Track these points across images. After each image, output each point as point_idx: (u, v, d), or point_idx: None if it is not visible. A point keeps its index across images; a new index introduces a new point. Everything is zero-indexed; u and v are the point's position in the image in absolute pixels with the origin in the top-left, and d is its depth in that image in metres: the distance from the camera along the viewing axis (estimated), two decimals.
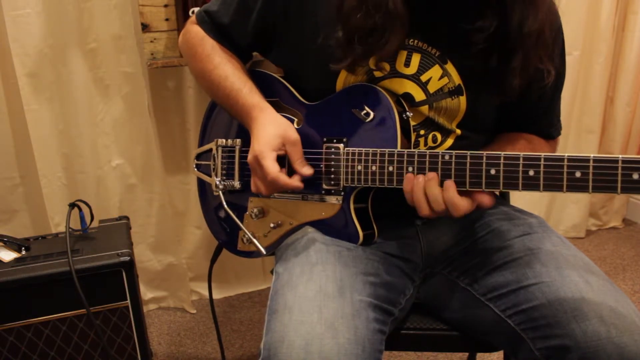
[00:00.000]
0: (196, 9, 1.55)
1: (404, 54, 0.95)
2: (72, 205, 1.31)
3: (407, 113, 0.94)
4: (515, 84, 0.90)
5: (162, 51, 1.64)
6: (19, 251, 1.28)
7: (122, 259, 1.22)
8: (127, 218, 1.47)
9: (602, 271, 0.89)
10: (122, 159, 1.77)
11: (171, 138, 1.84)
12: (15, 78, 1.56)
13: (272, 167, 0.91)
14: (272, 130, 0.94)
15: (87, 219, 1.35)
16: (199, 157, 1.20)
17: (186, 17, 1.57)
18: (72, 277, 1.17)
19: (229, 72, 1.04)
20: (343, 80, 0.98)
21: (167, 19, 1.62)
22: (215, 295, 2.04)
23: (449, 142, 0.99)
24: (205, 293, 2.00)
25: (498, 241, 0.97)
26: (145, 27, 1.61)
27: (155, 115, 1.77)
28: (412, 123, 0.96)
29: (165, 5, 1.61)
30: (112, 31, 1.62)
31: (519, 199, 2.21)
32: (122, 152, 1.76)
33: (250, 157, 0.94)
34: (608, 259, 2.27)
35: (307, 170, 0.94)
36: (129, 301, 1.25)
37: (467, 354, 1.50)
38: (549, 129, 1.07)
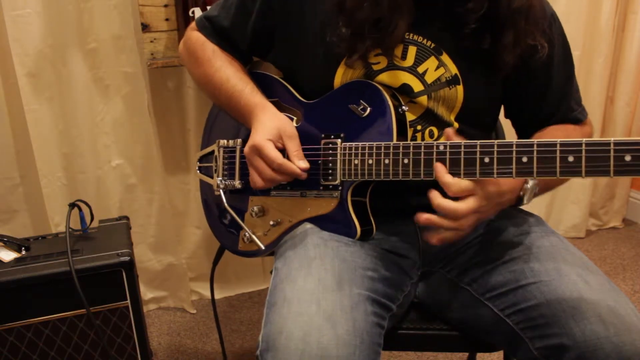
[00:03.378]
0: (196, 9, 1.56)
1: (400, 48, 0.96)
2: (72, 205, 1.31)
3: (403, 107, 0.95)
4: (509, 60, 0.92)
5: (162, 51, 1.64)
6: (19, 251, 1.28)
7: (122, 259, 1.22)
8: (127, 218, 1.47)
9: (600, 270, 0.89)
10: (122, 159, 1.77)
11: (171, 138, 1.84)
12: (15, 78, 1.56)
13: (275, 154, 0.92)
14: (269, 124, 0.96)
15: (87, 219, 1.35)
16: (201, 160, 1.21)
17: (186, 17, 1.58)
18: (72, 277, 1.17)
19: (230, 74, 1.06)
20: (341, 76, 0.99)
21: (167, 19, 1.62)
22: (216, 295, 2.03)
23: None
24: (205, 293, 2.00)
25: (497, 240, 0.97)
26: (145, 27, 1.61)
27: (155, 115, 1.77)
28: (410, 117, 0.97)
29: (165, 5, 1.61)
30: (112, 31, 1.62)
31: None
32: (122, 152, 1.76)
33: (247, 148, 0.95)
34: (608, 259, 2.27)
35: (303, 164, 0.94)
36: (129, 301, 1.25)
37: (467, 354, 1.50)
38: (572, 113, 1.06)
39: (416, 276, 1.03)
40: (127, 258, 1.23)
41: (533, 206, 0.93)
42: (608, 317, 0.79)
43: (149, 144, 1.75)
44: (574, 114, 1.06)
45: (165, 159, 1.84)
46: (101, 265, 1.21)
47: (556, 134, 1.01)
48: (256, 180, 0.96)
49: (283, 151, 0.96)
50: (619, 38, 2.28)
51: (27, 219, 1.76)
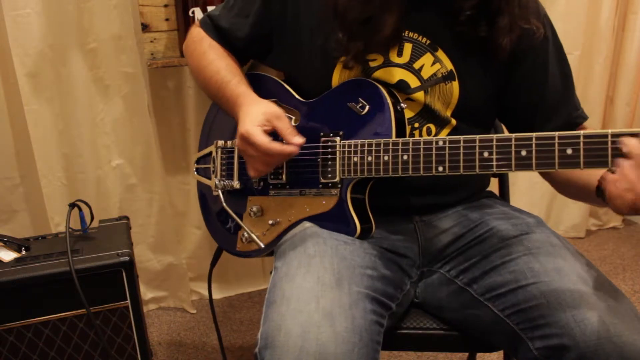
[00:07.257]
0: (196, 9, 1.56)
1: (396, 45, 0.97)
2: (72, 205, 1.31)
3: (402, 105, 0.96)
4: (505, 44, 0.93)
5: (162, 51, 1.64)
6: (19, 251, 1.28)
7: (122, 259, 1.22)
8: (127, 218, 1.47)
9: (600, 271, 0.89)
10: (122, 159, 1.77)
11: (171, 138, 1.84)
12: (15, 78, 1.56)
13: (261, 139, 0.92)
14: (254, 110, 0.96)
15: (87, 219, 1.35)
16: (198, 161, 1.21)
17: (186, 17, 1.58)
18: (72, 277, 1.17)
19: (221, 66, 1.07)
20: (339, 76, 1.00)
21: (167, 19, 1.62)
22: (215, 295, 2.04)
23: (444, 133, 1.00)
24: (205, 293, 2.00)
25: (496, 241, 0.97)
26: (145, 27, 1.61)
27: (155, 115, 1.77)
28: (409, 115, 0.98)
29: (165, 5, 1.61)
30: (112, 31, 1.62)
31: (519, 199, 2.21)
32: (122, 152, 1.76)
33: (237, 140, 0.96)
34: (608, 259, 2.27)
35: (298, 139, 0.94)
36: (129, 301, 1.25)
37: (467, 354, 1.50)
38: (573, 115, 1.04)
39: (416, 275, 1.03)
40: (127, 258, 1.23)
41: (533, 206, 0.93)
42: (609, 317, 0.79)
43: (149, 144, 1.75)
44: (575, 117, 1.05)
45: (165, 159, 1.84)
46: (101, 265, 1.21)
47: None
48: (253, 169, 0.97)
49: (274, 134, 0.95)
50: (619, 38, 2.28)
51: (27, 219, 1.76)
